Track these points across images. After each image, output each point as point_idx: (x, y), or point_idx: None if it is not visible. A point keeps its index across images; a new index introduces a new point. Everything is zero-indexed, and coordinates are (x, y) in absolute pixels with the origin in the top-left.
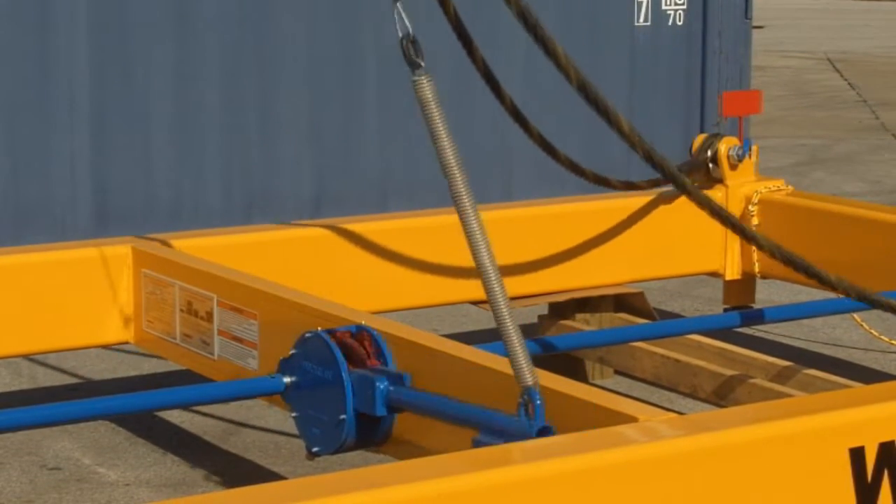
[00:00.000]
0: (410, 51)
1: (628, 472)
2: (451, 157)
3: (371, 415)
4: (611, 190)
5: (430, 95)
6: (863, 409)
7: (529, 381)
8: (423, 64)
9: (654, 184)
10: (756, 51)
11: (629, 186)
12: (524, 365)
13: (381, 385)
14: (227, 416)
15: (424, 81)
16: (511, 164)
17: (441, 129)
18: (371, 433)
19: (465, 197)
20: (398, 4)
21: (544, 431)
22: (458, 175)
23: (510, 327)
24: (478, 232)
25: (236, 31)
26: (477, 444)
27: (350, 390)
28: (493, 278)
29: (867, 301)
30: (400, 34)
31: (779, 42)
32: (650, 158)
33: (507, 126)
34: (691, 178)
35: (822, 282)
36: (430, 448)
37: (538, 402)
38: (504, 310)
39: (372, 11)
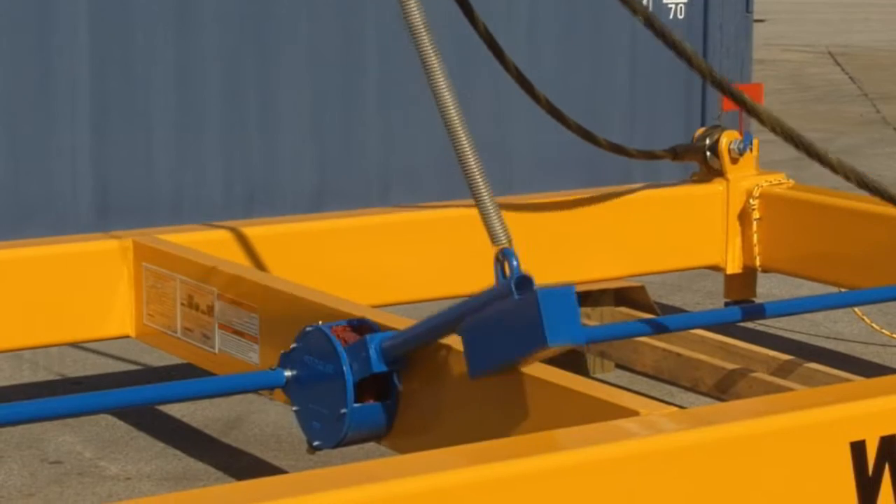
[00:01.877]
0: None
1: (629, 466)
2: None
3: (373, 376)
4: (611, 182)
5: None
6: (864, 402)
7: (504, 241)
8: None
9: (671, 153)
10: (757, 44)
11: (648, 156)
12: (498, 226)
13: (374, 343)
14: (228, 410)
15: None
16: (511, 159)
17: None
18: (383, 396)
19: (431, 57)
20: None
21: (523, 282)
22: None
23: (482, 188)
24: (444, 86)
25: (237, 25)
26: (464, 332)
27: (350, 382)
28: (463, 135)
29: (867, 187)
30: None
31: (780, 36)
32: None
33: (507, 120)
34: (687, 159)
35: (822, 162)
36: (431, 442)
37: (515, 261)
38: (475, 169)
39: (373, 4)
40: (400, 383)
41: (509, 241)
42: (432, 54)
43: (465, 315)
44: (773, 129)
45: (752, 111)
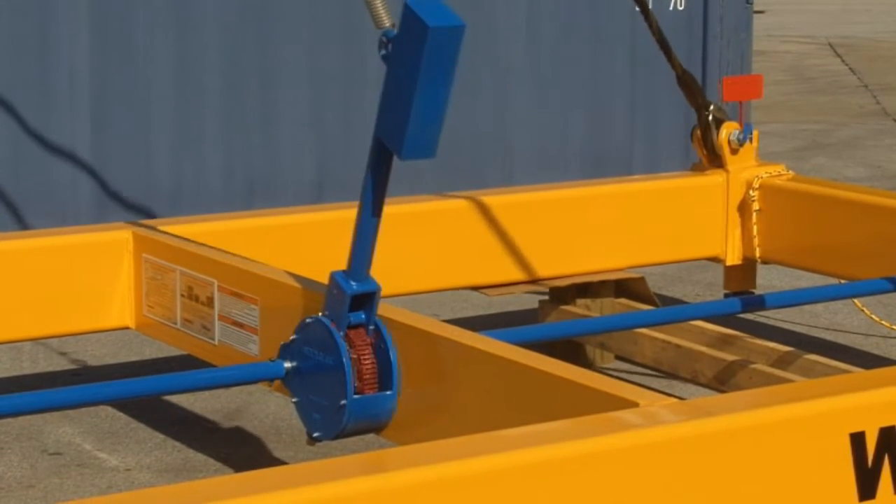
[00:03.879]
0: None
1: (629, 457)
2: None
3: (352, 300)
4: (611, 174)
5: None
6: (863, 394)
7: (387, 23)
8: None
9: (682, 75)
10: (757, 35)
11: (665, 49)
12: (381, 8)
13: (337, 275)
14: (228, 402)
15: None
16: (511, 151)
17: None
18: (368, 317)
19: None
20: None
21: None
22: None
23: None
24: None
25: (237, 15)
26: (379, 131)
27: (349, 370)
28: None
29: None
30: None
31: (780, 27)
32: None
33: (507, 112)
34: (687, 95)
35: None
36: (430, 434)
37: (394, 35)
38: None
39: None
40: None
41: (392, 24)
42: None
43: (376, 131)
44: None
45: None
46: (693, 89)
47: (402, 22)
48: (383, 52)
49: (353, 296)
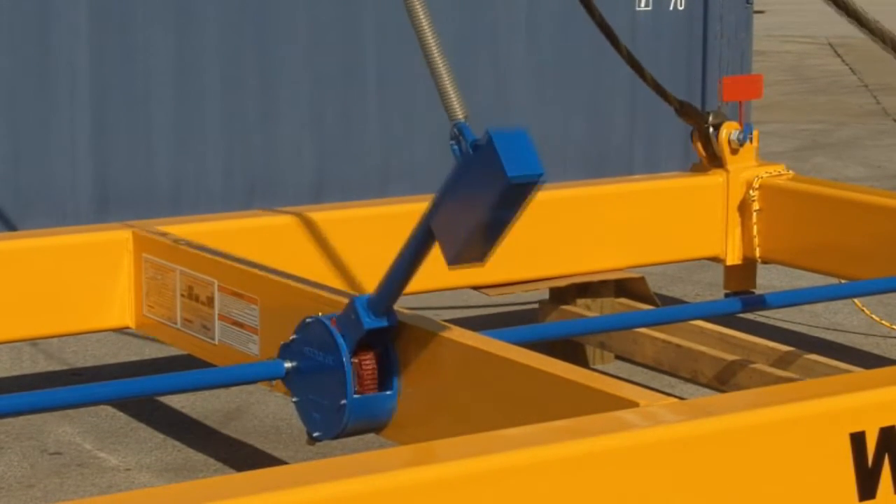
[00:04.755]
0: None
1: (629, 457)
2: None
3: (367, 332)
4: (612, 174)
5: None
6: (863, 394)
7: (460, 115)
8: None
9: (678, 103)
10: (757, 35)
11: (660, 92)
12: (455, 100)
13: (360, 302)
14: (227, 401)
15: None
16: None
17: None
18: (379, 345)
19: None
20: None
21: (479, 146)
22: None
23: (440, 65)
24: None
25: (237, 15)
26: (434, 227)
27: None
28: (425, 22)
29: None
30: None
31: (780, 27)
32: None
33: (507, 113)
34: (688, 120)
35: (863, 24)
36: (431, 433)
37: (469, 136)
38: (434, 48)
39: None
40: (392, 341)
41: (465, 116)
42: None
43: (430, 220)
44: None
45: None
46: (693, 115)
47: (483, 150)
48: (453, 143)
49: (368, 330)
